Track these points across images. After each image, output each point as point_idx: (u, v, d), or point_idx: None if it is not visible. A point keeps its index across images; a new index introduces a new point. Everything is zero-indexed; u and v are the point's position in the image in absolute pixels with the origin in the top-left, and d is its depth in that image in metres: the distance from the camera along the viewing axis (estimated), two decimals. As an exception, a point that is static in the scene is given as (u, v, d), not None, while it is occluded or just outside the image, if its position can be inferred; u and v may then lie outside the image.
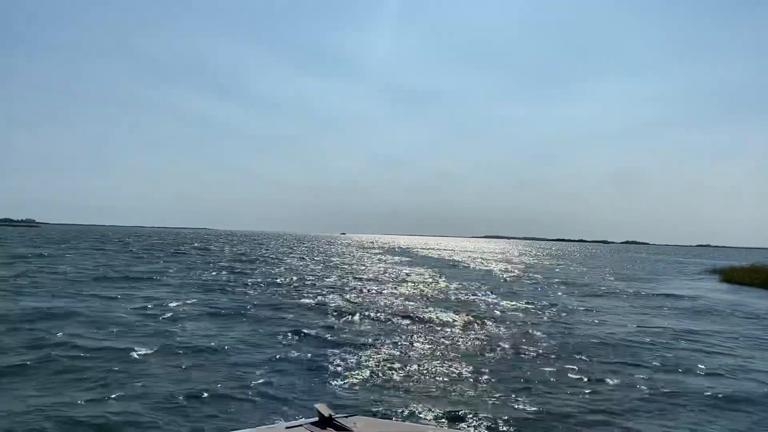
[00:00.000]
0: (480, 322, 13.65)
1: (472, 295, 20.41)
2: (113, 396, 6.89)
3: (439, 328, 12.61)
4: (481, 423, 6.28)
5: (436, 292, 20.87)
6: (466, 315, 14.73)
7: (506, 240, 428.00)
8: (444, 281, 26.15)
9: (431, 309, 15.66)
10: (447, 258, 54.59)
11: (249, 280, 22.79)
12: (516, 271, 37.97)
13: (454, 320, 13.84)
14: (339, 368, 8.59)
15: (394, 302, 17.07)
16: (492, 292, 21.46)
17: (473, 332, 12.36)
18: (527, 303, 18.29)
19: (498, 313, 15.69)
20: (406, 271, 32.23)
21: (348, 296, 18.24)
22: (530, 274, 34.49)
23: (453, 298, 19.20)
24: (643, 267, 52.38)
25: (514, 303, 18.16)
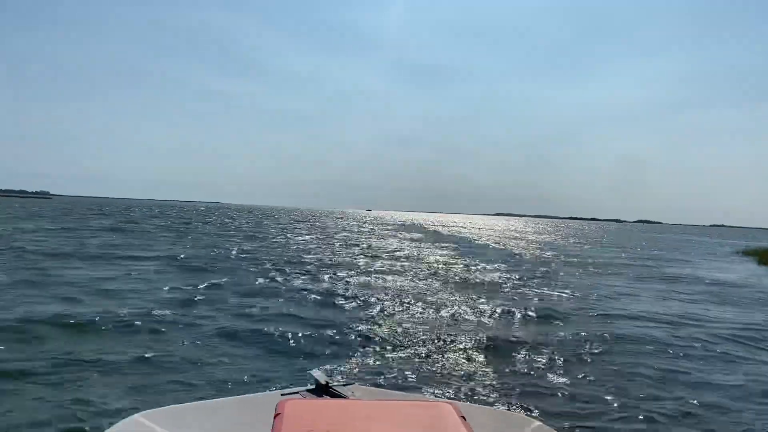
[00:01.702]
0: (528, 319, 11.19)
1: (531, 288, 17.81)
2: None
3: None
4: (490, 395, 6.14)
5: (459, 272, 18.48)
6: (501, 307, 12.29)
7: (517, 218, 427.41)
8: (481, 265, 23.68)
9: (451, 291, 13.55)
10: (479, 239, 52.08)
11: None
12: (542, 251, 35.28)
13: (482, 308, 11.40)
14: (343, 339, 8.50)
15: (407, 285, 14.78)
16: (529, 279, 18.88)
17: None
18: (568, 292, 15.60)
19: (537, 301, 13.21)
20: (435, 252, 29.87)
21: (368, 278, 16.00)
22: (558, 256, 31.82)
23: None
24: (673, 247, 49.69)
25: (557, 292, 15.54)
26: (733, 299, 15.71)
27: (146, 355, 6.98)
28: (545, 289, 15.27)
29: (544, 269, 21.35)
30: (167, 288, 12.23)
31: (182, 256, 19.27)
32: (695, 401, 6.28)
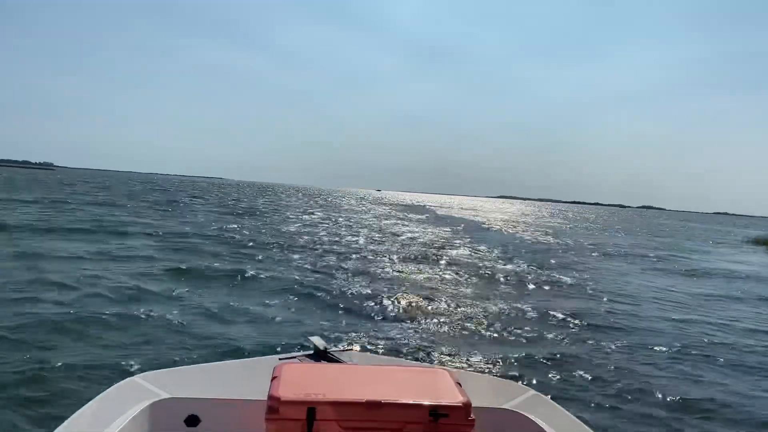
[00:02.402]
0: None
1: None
2: None
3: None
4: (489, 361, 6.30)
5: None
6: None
7: (521, 201, 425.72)
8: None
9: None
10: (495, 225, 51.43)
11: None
12: (553, 237, 33.79)
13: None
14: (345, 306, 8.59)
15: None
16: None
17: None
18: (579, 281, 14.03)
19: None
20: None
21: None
22: (564, 240, 31.24)
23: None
24: (686, 235, 48.35)
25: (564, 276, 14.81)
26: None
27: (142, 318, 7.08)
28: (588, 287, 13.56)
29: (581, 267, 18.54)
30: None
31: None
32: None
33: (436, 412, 1.87)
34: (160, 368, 2.53)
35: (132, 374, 2.45)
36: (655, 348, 7.59)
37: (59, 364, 5.29)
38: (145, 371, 2.46)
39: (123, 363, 5.44)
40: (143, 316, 7.22)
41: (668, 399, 5.70)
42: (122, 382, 2.32)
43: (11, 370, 5.12)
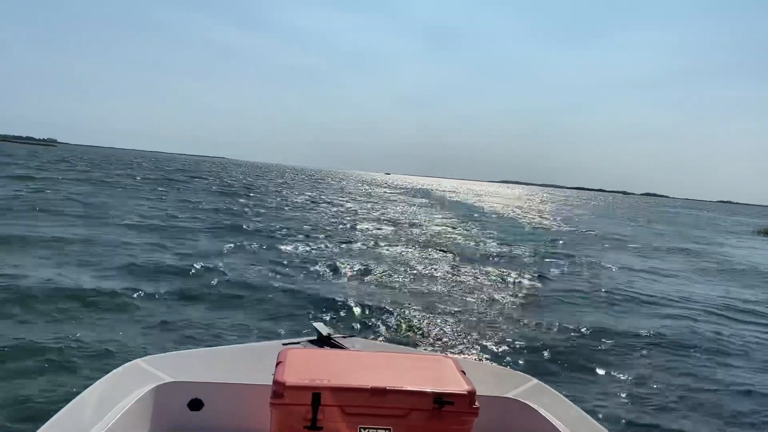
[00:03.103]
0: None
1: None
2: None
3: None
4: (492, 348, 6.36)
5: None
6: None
7: (523, 186, 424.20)
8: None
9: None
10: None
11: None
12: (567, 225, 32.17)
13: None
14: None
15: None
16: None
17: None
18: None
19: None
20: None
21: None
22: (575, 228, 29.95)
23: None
24: (692, 224, 47.12)
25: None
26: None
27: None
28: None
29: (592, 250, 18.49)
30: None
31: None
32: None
33: (441, 399, 1.87)
34: (162, 352, 2.53)
35: (134, 357, 2.44)
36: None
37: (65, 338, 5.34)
38: (148, 354, 2.46)
39: (119, 345, 5.45)
40: (140, 299, 7.24)
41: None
42: (126, 365, 2.31)
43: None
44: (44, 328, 5.82)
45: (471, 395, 1.90)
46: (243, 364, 2.49)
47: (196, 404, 2.18)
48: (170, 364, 2.35)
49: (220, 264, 10.02)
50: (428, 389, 1.89)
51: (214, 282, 8.65)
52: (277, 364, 1.96)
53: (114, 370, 2.26)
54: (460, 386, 1.93)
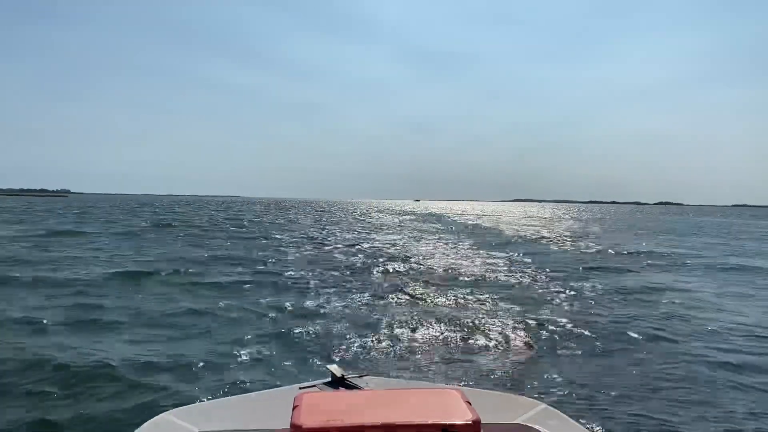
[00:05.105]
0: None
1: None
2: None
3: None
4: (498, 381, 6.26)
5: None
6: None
7: (537, 203, 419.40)
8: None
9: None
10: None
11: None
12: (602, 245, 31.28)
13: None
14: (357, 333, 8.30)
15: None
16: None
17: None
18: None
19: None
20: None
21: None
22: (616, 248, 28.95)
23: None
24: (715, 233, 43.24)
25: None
26: None
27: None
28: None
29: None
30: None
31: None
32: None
33: (447, 430, 1.96)
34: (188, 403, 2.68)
35: (163, 410, 2.59)
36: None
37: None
38: (175, 407, 2.61)
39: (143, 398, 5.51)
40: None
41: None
42: (155, 419, 2.46)
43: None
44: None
45: (476, 424, 2.02)
46: (263, 411, 2.62)
47: None
48: (197, 415, 2.50)
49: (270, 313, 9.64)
50: (435, 421, 2.00)
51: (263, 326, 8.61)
52: (294, 407, 2.08)
53: (144, 423, 2.39)
54: (465, 416, 2.03)
